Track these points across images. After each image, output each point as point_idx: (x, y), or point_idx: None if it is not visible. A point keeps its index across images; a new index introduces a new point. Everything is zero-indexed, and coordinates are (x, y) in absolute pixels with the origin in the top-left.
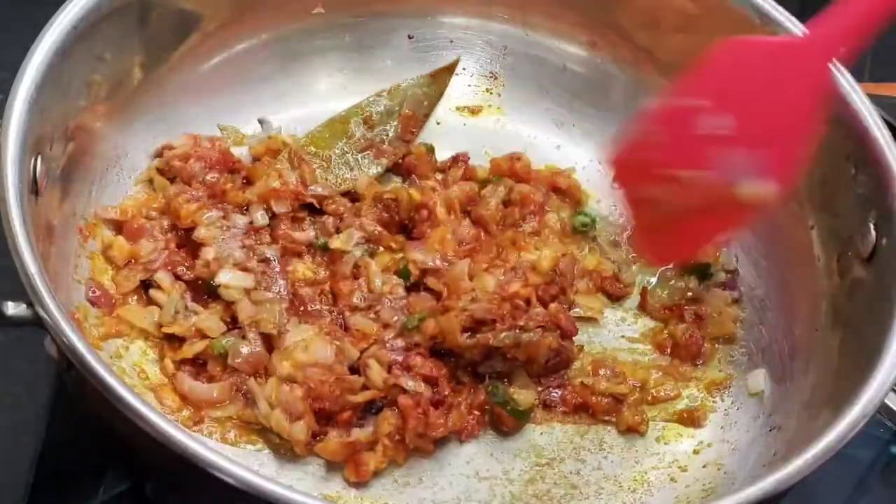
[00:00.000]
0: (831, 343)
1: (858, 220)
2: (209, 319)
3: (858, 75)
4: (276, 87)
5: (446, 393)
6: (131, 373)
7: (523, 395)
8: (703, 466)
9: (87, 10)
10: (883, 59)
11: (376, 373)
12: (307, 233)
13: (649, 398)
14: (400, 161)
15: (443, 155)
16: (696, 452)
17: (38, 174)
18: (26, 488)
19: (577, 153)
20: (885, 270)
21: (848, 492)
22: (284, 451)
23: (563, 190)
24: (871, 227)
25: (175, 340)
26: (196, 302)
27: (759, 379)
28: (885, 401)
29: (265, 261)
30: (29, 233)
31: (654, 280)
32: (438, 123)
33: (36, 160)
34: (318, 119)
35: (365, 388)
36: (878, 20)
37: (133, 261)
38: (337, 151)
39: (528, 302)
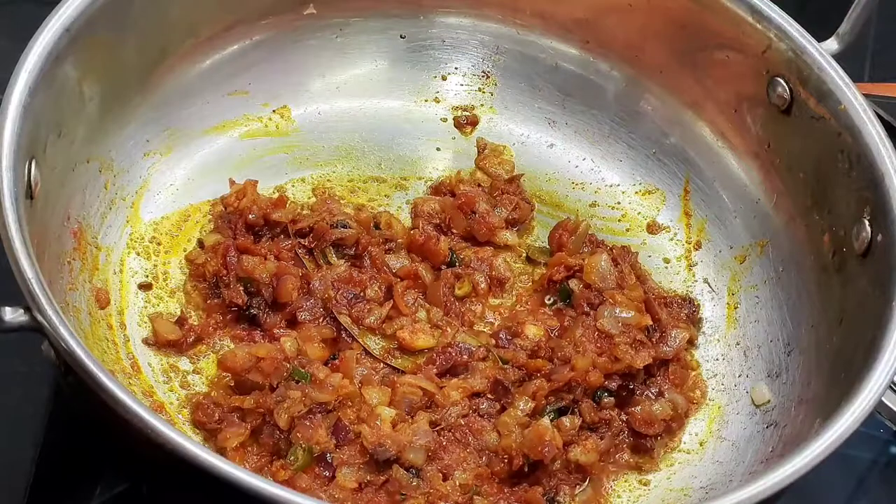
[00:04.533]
0: (827, 339)
1: (853, 216)
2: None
3: (857, 75)
4: (268, 88)
5: None
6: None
7: None
8: (700, 462)
9: (79, 12)
10: (882, 59)
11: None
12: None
13: None
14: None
15: (442, 155)
16: (692, 450)
17: (32, 178)
18: (26, 489)
19: (569, 151)
20: (880, 266)
21: (848, 492)
22: None
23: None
24: (866, 223)
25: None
26: None
27: (764, 390)
28: (886, 401)
29: None
30: (25, 238)
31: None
32: (444, 121)
33: (30, 164)
34: (311, 119)
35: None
36: None
37: None
38: None
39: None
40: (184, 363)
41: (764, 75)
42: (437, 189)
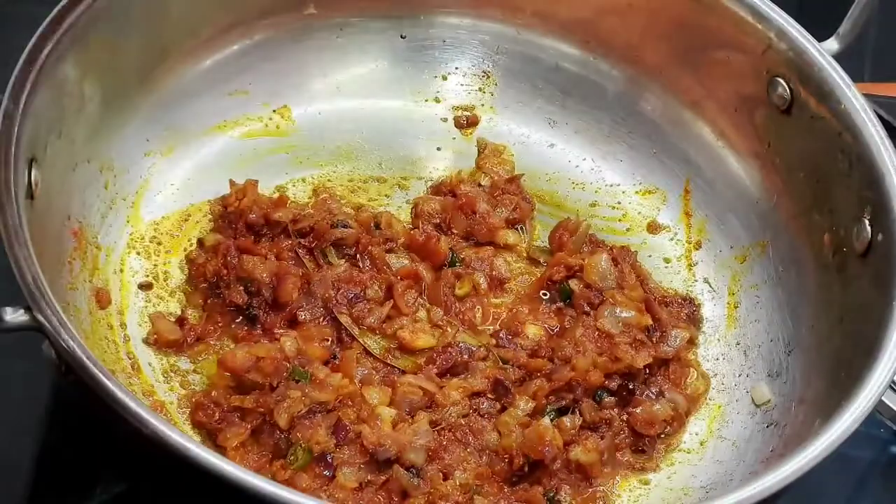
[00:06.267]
0: (828, 339)
1: (853, 215)
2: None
3: (857, 75)
4: (269, 87)
5: None
6: None
7: None
8: (700, 462)
9: (79, 12)
10: (882, 58)
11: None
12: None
13: None
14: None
15: (443, 155)
16: (692, 449)
17: (32, 178)
18: (26, 489)
19: (570, 151)
20: (880, 266)
21: (848, 492)
22: None
23: None
24: (866, 222)
25: None
26: None
27: (764, 390)
28: (886, 401)
29: None
30: (25, 238)
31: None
32: (444, 120)
33: (30, 164)
34: (311, 118)
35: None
36: None
37: None
38: None
39: None
40: (184, 363)
41: (764, 75)
42: (437, 189)
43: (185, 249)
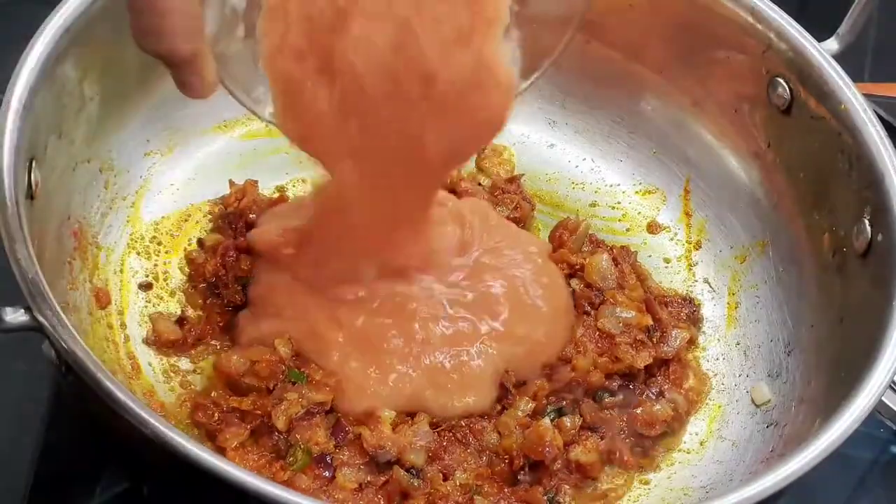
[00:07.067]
0: (828, 339)
1: (853, 215)
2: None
3: (857, 75)
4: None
5: None
6: None
7: None
8: (700, 462)
9: (79, 12)
10: (882, 58)
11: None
12: None
13: None
14: None
15: None
16: (692, 449)
17: (32, 178)
18: (25, 489)
19: (570, 151)
20: (880, 266)
21: (848, 492)
22: None
23: None
24: (866, 222)
25: None
26: None
27: (764, 389)
28: (886, 401)
29: None
30: (25, 238)
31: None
32: None
33: (31, 164)
34: None
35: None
36: None
37: None
38: None
39: None
40: (184, 363)
41: (764, 75)
42: None
43: (184, 250)
